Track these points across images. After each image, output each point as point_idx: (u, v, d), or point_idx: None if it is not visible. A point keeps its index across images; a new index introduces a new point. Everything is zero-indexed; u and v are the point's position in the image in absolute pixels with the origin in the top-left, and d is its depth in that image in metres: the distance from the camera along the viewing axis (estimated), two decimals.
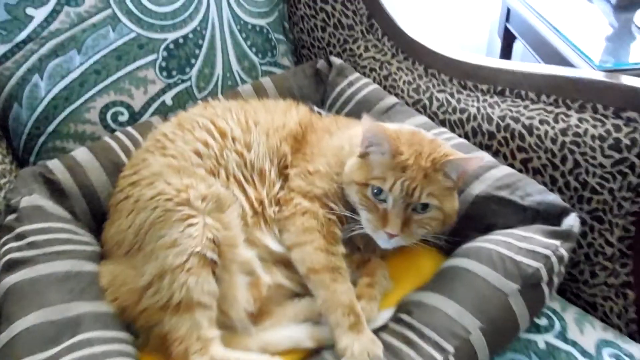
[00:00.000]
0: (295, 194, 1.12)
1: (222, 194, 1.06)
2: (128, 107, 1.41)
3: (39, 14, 1.27)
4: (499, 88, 1.36)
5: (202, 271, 0.98)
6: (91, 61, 1.35)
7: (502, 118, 1.31)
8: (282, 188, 1.15)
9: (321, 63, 1.57)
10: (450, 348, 0.93)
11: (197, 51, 1.50)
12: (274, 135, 1.18)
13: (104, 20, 1.34)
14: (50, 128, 1.36)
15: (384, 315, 1.04)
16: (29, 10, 1.26)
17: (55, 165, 1.24)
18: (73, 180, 1.23)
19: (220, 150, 1.12)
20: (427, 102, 1.46)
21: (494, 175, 1.21)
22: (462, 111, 1.40)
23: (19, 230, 1.06)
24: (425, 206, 1.03)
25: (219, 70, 1.53)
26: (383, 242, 1.06)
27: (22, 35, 1.27)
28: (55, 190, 1.21)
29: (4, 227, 1.07)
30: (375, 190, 1.04)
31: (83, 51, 1.34)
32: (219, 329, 0.99)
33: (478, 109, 1.37)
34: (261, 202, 1.11)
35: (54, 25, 1.29)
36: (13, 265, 0.99)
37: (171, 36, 1.44)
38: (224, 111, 1.22)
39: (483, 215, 1.17)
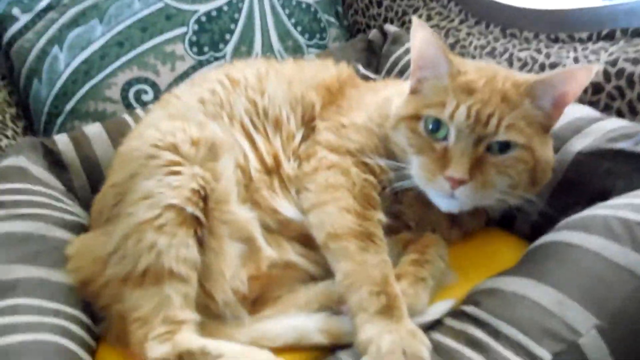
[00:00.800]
0: (321, 148, 0.84)
1: (220, 139, 0.82)
2: (153, 84, 1.26)
3: None
4: (605, 31, 1.02)
5: (179, 231, 0.72)
6: (114, 32, 1.23)
7: (613, 63, 0.96)
8: (305, 141, 0.88)
9: (373, 33, 1.34)
10: (544, 355, 0.58)
11: (232, 26, 1.33)
12: (299, 84, 0.93)
13: None
14: (69, 106, 1.24)
15: (438, 307, 0.70)
16: None
17: (60, 137, 1.09)
18: (76, 153, 1.06)
19: (227, 96, 0.89)
20: (506, 64, 1.15)
21: (602, 127, 0.85)
22: (553, 66, 1.06)
23: None
24: (505, 146, 0.72)
25: (257, 48, 1.35)
26: (444, 199, 0.74)
27: (43, 3, 1.19)
28: (54, 161, 1.05)
29: None
30: (431, 125, 0.74)
31: (105, 21, 1.22)
32: (199, 315, 0.72)
33: (576, 59, 1.03)
34: (275, 157, 0.85)
35: None
36: None
37: (203, 8, 1.30)
38: (243, 65, 1.00)
39: (589, 178, 0.81)
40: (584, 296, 0.62)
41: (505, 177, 0.73)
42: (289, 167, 0.84)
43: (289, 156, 0.85)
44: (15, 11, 1.18)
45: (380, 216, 0.77)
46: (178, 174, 0.76)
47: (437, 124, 0.73)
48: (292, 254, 0.78)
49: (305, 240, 0.80)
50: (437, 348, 0.62)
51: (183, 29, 1.28)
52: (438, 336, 0.65)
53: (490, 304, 0.65)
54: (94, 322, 0.76)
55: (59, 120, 1.24)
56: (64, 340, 0.65)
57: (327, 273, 0.77)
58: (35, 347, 0.62)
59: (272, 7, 1.38)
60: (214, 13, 1.31)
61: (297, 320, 0.70)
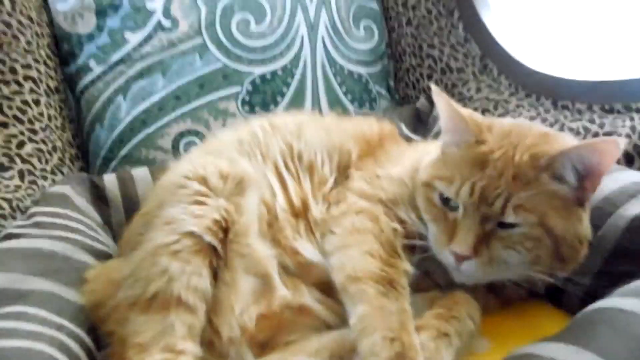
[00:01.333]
0: (351, 194, 0.82)
1: (249, 174, 0.82)
2: (203, 138, 1.31)
3: (134, 38, 1.31)
4: None
5: (193, 259, 0.71)
6: (173, 86, 1.32)
7: None
8: (336, 188, 0.86)
9: (421, 101, 1.36)
10: None
11: (284, 89, 1.39)
12: (338, 134, 0.94)
13: (193, 48, 1.33)
14: (123, 152, 1.31)
15: None
16: (127, 34, 1.31)
17: (108, 176, 1.15)
18: (119, 191, 1.11)
19: (265, 138, 0.91)
20: None
21: None
22: (608, 135, 1.01)
23: (31, 210, 0.93)
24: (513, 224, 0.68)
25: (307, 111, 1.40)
26: (451, 267, 0.71)
27: (116, 56, 1.30)
28: (98, 196, 1.10)
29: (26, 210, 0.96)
30: (443, 195, 0.72)
31: (168, 76, 1.32)
32: (203, 352, 0.67)
33: (632, 127, 0.97)
34: (304, 201, 0.83)
35: (145, 49, 1.31)
36: (6, 238, 0.84)
37: (258, 70, 1.37)
38: (287, 115, 1.03)
39: None
40: None
41: (514, 252, 0.68)
42: (317, 211, 0.82)
43: (318, 200, 0.83)
44: (92, 63, 1.30)
45: (407, 266, 0.73)
46: (203, 204, 0.76)
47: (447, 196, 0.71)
48: (308, 298, 0.74)
49: (325, 288, 0.75)
50: None
51: (237, 88, 1.35)
52: None
53: None
54: (97, 349, 0.73)
55: (112, 164, 1.31)
56: (59, 354, 0.63)
57: (344, 323, 0.71)
58: (27, 355, 0.59)
59: (325, 75, 1.44)
60: (268, 76, 1.38)
61: None
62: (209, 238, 0.72)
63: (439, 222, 0.73)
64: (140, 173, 1.15)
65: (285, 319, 0.72)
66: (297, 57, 1.41)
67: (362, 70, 1.50)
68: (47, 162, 1.18)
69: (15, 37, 1.20)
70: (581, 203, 0.71)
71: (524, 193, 0.67)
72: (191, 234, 0.72)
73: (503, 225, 0.68)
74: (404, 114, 1.35)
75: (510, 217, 0.67)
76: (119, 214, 1.08)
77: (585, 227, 0.71)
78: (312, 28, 1.43)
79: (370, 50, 1.52)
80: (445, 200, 0.72)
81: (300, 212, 0.82)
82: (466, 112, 0.77)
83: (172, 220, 0.74)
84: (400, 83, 1.59)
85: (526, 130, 0.75)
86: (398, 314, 0.63)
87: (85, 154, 1.35)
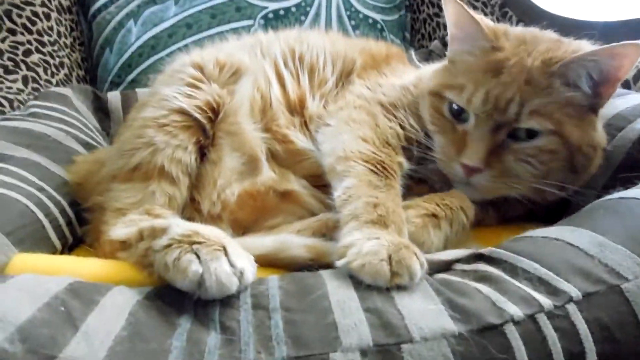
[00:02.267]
0: (351, 94, 0.79)
1: (245, 65, 0.79)
2: None
3: None
4: None
5: (181, 133, 0.69)
6: (185, 14, 1.31)
7: None
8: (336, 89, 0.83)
9: (434, 44, 1.32)
10: (572, 291, 0.45)
11: (297, 27, 1.37)
12: (343, 44, 0.91)
13: None
14: (131, 77, 1.30)
15: (451, 252, 0.58)
16: None
17: (112, 92, 1.15)
18: (121, 104, 1.11)
19: (267, 41, 0.88)
20: None
21: None
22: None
23: (29, 103, 0.92)
24: (530, 131, 0.64)
25: None
26: (461, 185, 0.67)
27: None
28: (99, 107, 1.10)
29: None
30: (453, 106, 0.68)
31: (180, 3, 1.31)
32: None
33: None
34: (301, 99, 0.80)
35: None
36: None
37: (272, 5, 1.35)
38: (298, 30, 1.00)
39: None
40: (634, 241, 0.49)
41: (528, 166, 0.64)
42: (313, 106, 0.79)
43: (316, 97, 0.81)
44: None
45: (401, 160, 0.69)
46: (196, 87, 0.74)
47: (459, 107, 0.67)
48: (296, 184, 0.71)
49: (315, 180, 0.72)
50: (439, 282, 0.50)
51: (249, 22, 1.34)
52: (442, 275, 0.53)
53: (513, 246, 0.53)
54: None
55: (119, 89, 1.30)
56: (35, 208, 0.62)
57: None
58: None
59: (339, 17, 1.41)
60: (281, 12, 1.36)
61: (282, 235, 0.61)
62: (198, 115, 0.70)
63: (447, 134, 0.69)
64: (144, 91, 1.14)
65: (270, 201, 0.69)
66: None
67: (377, 16, 1.47)
68: (52, 75, 1.17)
69: None
70: (595, 110, 0.67)
71: (538, 99, 0.63)
72: (180, 110, 0.70)
73: (516, 137, 0.64)
74: (418, 58, 1.31)
75: (526, 123, 0.63)
76: (118, 126, 1.07)
77: (599, 134, 0.68)
78: None
79: None
80: (455, 112, 0.68)
81: (297, 109, 0.79)
82: (479, 17, 0.73)
83: (164, 98, 0.72)
84: (417, 35, 1.55)
85: (540, 37, 0.72)
86: (386, 189, 0.60)
87: (94, 79, 1.35)
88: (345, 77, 0.86)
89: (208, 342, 0.39)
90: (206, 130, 0.71)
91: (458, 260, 0.55)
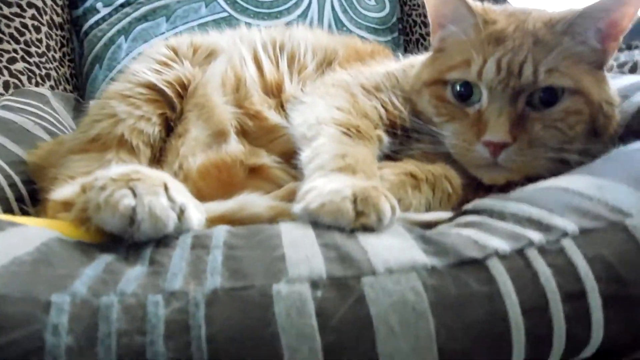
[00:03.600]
0: (331, 78, 0.75)
1: (221, 47, 0.77)
2: None
3: None
4: None
5: (145, 106, 0.66)
6: (176, 30, 1.30)
7: None
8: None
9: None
10: (567, 225, 0.38)
11: None
12: (327, 39, 0.88)
13: None
14: None
15: (432, 214, 0.51)
16: None
17: (96, 100, 1.12)
18: None
19: (250, 32, 0.86)
20: None
21: None
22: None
23: (3, 98, 0.90)
24: (551, 94, 0.59)
25: None
26: (487, 170, 0.60)
27: None
28: (80, 112, 1.06)
29: None
30: (458, 88, 0.63)
31: (171, 20, 1.31)
32: None
33: None
34: (278, 84, 0.76)
35: None
36: None
37: (264, 24, 1.35)
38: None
39: None
40: (637, 181, 0.42)
41: (555, 132, 0.59)
42: (291, 89, 0.75)
43: (294, 81, 0.77)
44: (99, 5, 1.31)
45: (380, 133, 0.64)
46: (167, 65, 0.71)
47: (467, 87, 0.62)
48: (266, 159, 0.66)
49: (289, 158, 0.67)
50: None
51: None
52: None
53: (500, 196, 0.46)
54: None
55: None
56: None
57: None
58: None
59: None
60: None
61: (242, 195, 0.55)
62: (165, 89, 0.67)
63: (459, 120, 0.63)
64: None
65: (237, 175, 0.64)
66: (304, 14, 1.39)
67: (370, 37, 1.46)
68: (37, 84, 1.16)
69: None
70: (601, 66, 0.64)
71: (551, 57, 0.59)
72: (147, 84, 0.67)
73: (536, 107, 0.59)
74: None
75: (545, 82, 0.58)
76: None
77: (612, 89, 0.64)
78: None
79: (381, 19, 1.49)
80: (461, 94, 0.63)
81: (273, 91, 0.75)
82: None
83: (132, 72, 0.70)
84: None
85: (523, 8, 0.69)
86: (359, 150, 0.54)
87: (82, 95, 1.33)
88: (326, 65, 0.83)
89: (128, 272, 0.33)
90: (174, 105, 0.68)
91: (440, 223, 0.48)
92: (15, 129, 0.74)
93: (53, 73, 1.22)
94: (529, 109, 0.59)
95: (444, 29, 0.69)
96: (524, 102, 0.59)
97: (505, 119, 0.58)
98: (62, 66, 1.28)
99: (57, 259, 0.34)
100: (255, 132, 0.69)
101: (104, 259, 0.35)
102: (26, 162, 0.69)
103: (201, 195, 0.62)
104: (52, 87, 1.20)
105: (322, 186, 0.44)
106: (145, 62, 0.71)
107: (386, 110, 0.69)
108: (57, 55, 1.25)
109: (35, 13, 1.21)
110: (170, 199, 0.40)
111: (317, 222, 0.40)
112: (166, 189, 0.40)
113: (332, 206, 0.40)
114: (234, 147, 0.65)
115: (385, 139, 0.64)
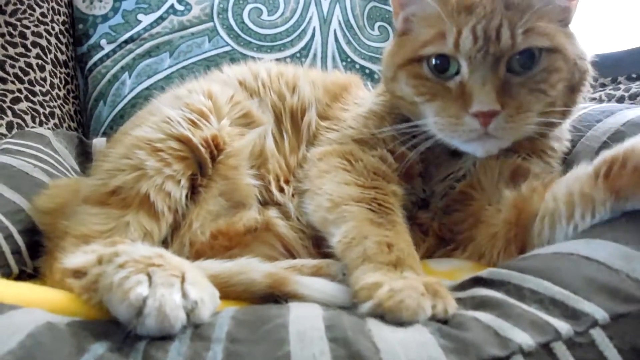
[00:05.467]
0: (313, 149, 0.73)
1: (256, 113, 0.74)
2: None
3: (146, 19, 1.32)
4: None
5: (177, 164, 0.62)
6: (179, 65, 1.30)
7: None
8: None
9: None
10: (597, 312, 0.36)
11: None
12: (317, 87, 0.84)
13: (203, 31, 1.33)
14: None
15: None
16: (140, 16, 1.32)
17: (99, 138, 1.11)
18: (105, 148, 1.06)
19: (266, 88, 0.81)
20: None
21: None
22: (634, 96, 0.90)
23: (3, 141, 0.88)
24: (529, 57, 0.59)
25: None
26: (478, 143, 0.60)
27: (126, 35, 1.31)
28: (82, 152, 1.06)
29: None
30: (435, 61, 0.62)
31: (175, 55, 1.30)
32: None
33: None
34: (290, 171, 0.73)
35: (156, 29, 1.31)
36: None
37: (267, 57, 1.34)
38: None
39: None
40: None
41: (539, 94, 0.59)
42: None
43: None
44: (103, 42, 1.31)
45: (395, 188, 0.62)
46: (205, 116, 0.67)
47: (443, 59, 0.61)
48: (274, 213, 0.64)
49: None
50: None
51: None
52: None
53: (516, 265, 0.44)
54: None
55: None
56: None
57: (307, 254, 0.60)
58: None
59: (335, 67, 1.39)
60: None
61: (244, 259, 0.52)
62: (201, 148, 0.63)
63: (441, 97, 0.61)
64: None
65: (245, 240, 0.61)
66: (307, 47, 1.38)
67: (374, 67, 1.45)
68: (41, 123, 1.15)
69: (31, 7, 1.22)
70: (567, 24, 0.65)
71: (525, 18, 0.59)
72: (183, 138, 0.63)
73: (515, 71, 0.59)
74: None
75: (523, 44, 0.58)
76: None
77: (581, 46, 0.64)
78: (325, 21, 1.41)
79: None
80: (437, 67, 0.62)
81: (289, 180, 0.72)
82: None
83: (165, 119, 0.64)
84: None
85: None
86: (391, 225, 0.52)
87: (87, 132, 1.32)
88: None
89: None
90: (206, 166, 0.64)
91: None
92: (14, 174, 0.72)
93: (57, 111, 1.21)
94: (510, 74, 0.59)
95: (406, 7, 0.68)
96: (505, 68, 0.59)
97: (490, 87, 0.57)
98: (67, 103, 1.27)
99: (43, 353, 0.31)
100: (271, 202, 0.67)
101: (95, 350, 0.33)
102: (25, 210, 0.65)
103: (204, 255, 0.60)
104: (55, 125, 1.19)
105: (390, 282, 0.42)
106: (180, 109, 0.66)
107: (387, 148, 0.67)
108: (61, 93, 1.25)
109: (40, 52, 1.20)
110: (184, 294, 0.38)
111: (389, 318, 0.39)
112: (183, 279, 0.38)
113: (411, 302, 0.39)
114: (252, 216, 0.63)
115: (400, 191, 0.62)
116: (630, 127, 0.65)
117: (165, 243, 0.62)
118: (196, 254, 0.59)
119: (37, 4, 1.24)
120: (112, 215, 0.58)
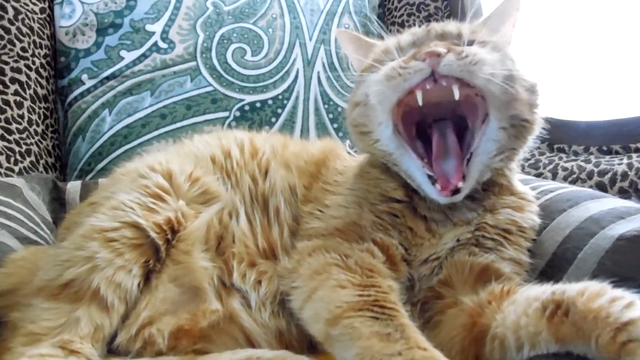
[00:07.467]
0: (301, 239, 0.73)
1: (216, 189, 0.75)
2: None
3: (129, 56, 1.32)
4: None
5: (129, 253, 0.63)
6: (160, 104, 1.30)
7: None
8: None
9: None
10: None
11: (273, 119, 1.36)
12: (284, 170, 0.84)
13: (185, 70, 1.33)
14: (100, 165, 1.27)
15: None
16: (123, 53, 1.32)
17: (73, 182, 1.11)
18: (79, 196, 1.07)
19: (238, 166, 0.81)
20: (551, 175, 1.02)
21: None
22: (602, 173, 0.92)
23: None
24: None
25: None
26: (427, 84, 0.63)
27: (108, 72, 1.31)
28: (56, 198, 1.06)
29: None
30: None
31: (156, 94, 1.31)
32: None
33: (630, 165, 0.88)
34: (272, 249, 0.73)
35: (138, 67, 1.31)
36: None
37: (249, 98, 1.35)
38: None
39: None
40: None
41: (482, 49, 0.67)
42: (284, 262, 0.70)
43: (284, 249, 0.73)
44: (84, 77, 1.31)
45: (390, 283, 0.61)
46: (161, 199, 0.68)
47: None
48: (237, 303, 0.64)
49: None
50: None
51: (225, 114, 1.33)
52: None
53: None
54: None
55: (88, 178, 1.27)
56: None
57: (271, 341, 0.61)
58: None
59: (317, 110, 1.41)
60: (257, 104, 1.36)
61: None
62: (154, 235, 0.64)
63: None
64: (105, 180, 1.10)
65: (209, 333, 0.62)
66: (290, 89, 1.39)
67: None
68: (16, 162, 1.14)
69: (11, 42, 1.22)
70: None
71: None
72: (135, 226, 0.64)
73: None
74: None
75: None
76: None
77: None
78: (309, 64, 1.42)
79: None
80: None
81: (269, 255, 0.73)
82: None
83: (119, 206, 0.66)
84: None
85: None
86: (400, 332, 0.52)
87: (65, 167, 1.32)
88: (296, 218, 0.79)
89: None
90: (159, 252, 0.65)
91: None
92: None
93: (34, 148, 1.21)
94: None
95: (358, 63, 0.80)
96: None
97: (437, 41, 0.68)
98: (45, 139, 1.27)
99: None
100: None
101: None
102: None
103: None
104: (32, 163, 1.19)
105: None
106: (134, 193, 0.68)
107: (375, 242, 0.67)
108: (39, 129, 1.25)
109: (19, 88, 1.20)
110: None
111: None
112: None
113: None
114: (214, 308, 0.63)
115: (396, 285, 0.62)
116: (590, 223, 0.66)
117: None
118: (157, 353, 0.59)
119: (18, 39, 1.23)
120: (63, 310, 0.58)
